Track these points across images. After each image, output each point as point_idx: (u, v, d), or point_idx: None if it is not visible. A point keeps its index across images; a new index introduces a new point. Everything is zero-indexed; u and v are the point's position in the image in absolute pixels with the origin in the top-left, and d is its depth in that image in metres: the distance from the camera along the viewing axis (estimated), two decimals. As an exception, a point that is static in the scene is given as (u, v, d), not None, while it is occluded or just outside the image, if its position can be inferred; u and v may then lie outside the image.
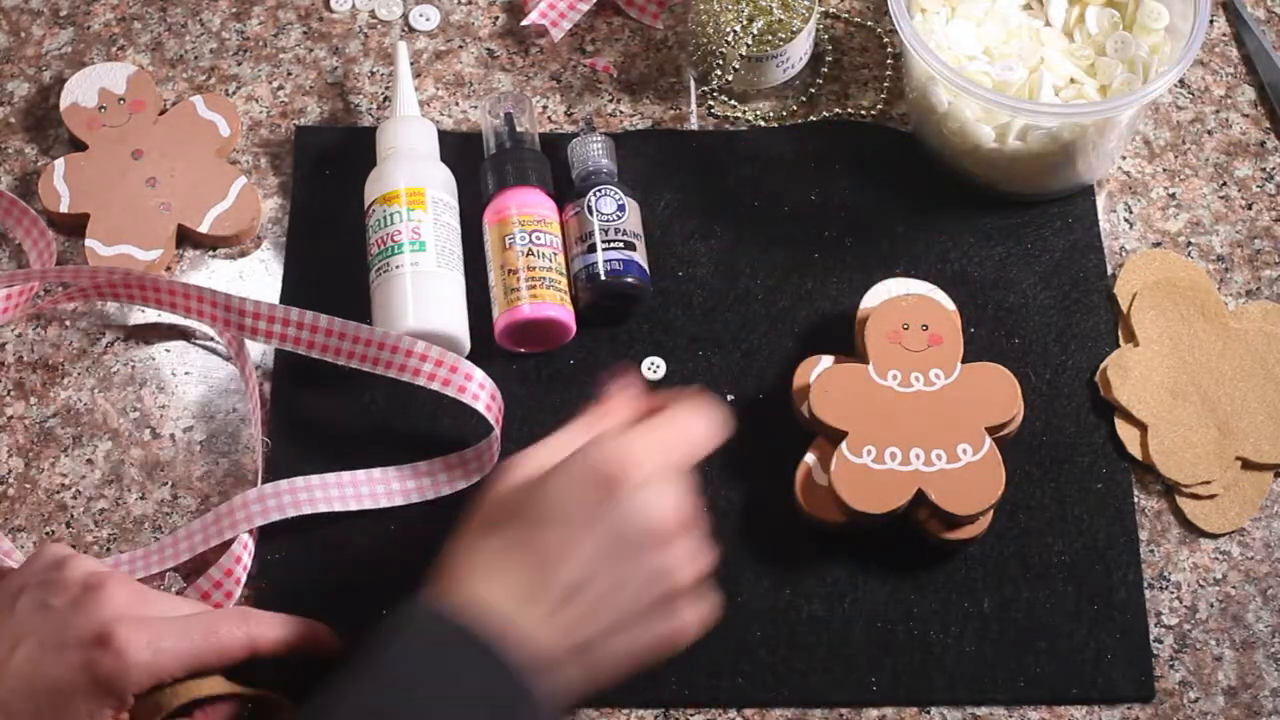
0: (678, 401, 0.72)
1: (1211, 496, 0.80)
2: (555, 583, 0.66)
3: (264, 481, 0.80)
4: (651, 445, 0.68)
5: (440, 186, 0.85)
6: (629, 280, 0.83)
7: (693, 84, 0.93)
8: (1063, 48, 0.88)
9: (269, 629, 0.70)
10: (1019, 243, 0.87)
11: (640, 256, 0.84)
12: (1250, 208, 0.89)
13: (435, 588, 0.67)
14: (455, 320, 0.83)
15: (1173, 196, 0.89)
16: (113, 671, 0.66)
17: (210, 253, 0.88)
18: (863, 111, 0.92)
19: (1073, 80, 0.87)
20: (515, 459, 0.71)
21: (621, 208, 0.85)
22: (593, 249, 0.83)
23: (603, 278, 0.83)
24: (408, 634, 0.64)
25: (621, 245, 0.84)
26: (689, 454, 0.70)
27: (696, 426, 0.71)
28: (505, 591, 0.66)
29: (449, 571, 0.67)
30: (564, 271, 0.84)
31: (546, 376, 0.84)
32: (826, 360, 0.82)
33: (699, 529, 0.69)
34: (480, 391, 0.79)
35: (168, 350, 0.85)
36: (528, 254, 0.83)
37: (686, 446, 0.70)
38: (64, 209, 0.87)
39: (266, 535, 0.79)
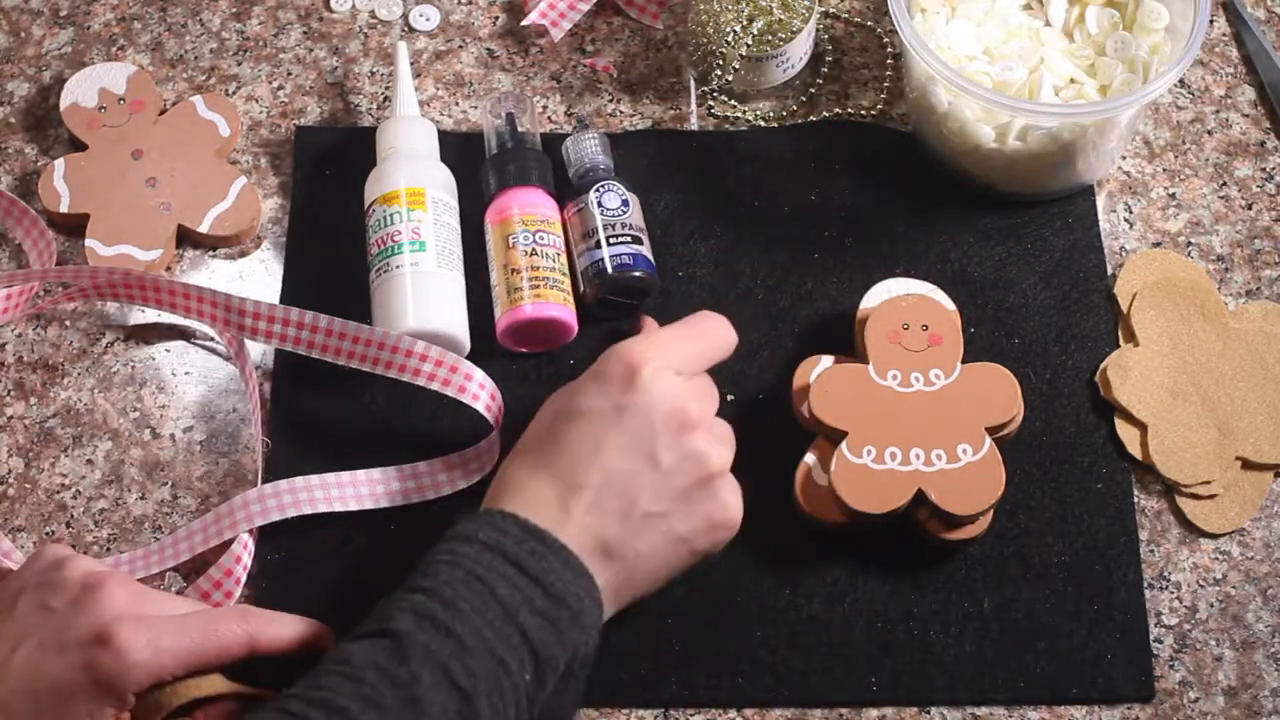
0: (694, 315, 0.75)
1: (1211, 496, 0.80)
2: (586, 483, 0.68)
3: (264, 481, 0.80)
4: (668, 339, 0.71)
5: (440, 186, 0.85)
6: (637, 274, 0.83)
7: (693, 84, 0.93)
8: (1063, 48, 0.88)
9: (269, 627, 0.70)
10: (1019, 243, 0.87)
11: (646, 249, 0.84)
12: (1250, 208, 0.89)
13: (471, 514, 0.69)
14: (455, 320, 0.83)
15: (1173, 196, 0.89)
16: (113, 671, 0.66)
17: (210, 253, 0.88)
18: (863, 111, 0.92)
19: (1073, 80, 0.87)
20: (550, 398, 0.73)
21: (625, 203, 0.85)
22: (599, 244, 0.83)
23: (610, 272, 0.83)
24: (455, 544, 0.67)
25: (628, 239, 0.84)
26: (706, 349, 0.72)
27: (714, 326, 0.75)
28: (538, 503, 0.68)
29: (487, 500, 0.70)
30: (566, 271, 0.84)
31: (547, 376, 0.84)
32: (826, 360, 0.82)
33: (721, 420, 0.72)
34: (480, 391, 0.79)
35: (168, 350, 0.85)
36: (531, 254, 0.83)
37: (703, 341, 0.72)
38: (64, 209, 0.87)
39: (266, 535, 0.79)
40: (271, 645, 0.70)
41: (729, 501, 0.72)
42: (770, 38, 0.89)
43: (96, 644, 0.66)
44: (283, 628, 0.71)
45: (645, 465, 0.69)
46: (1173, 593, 0.79)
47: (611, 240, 0.84)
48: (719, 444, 0.71)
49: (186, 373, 0.85)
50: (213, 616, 0.70)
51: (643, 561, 0.70)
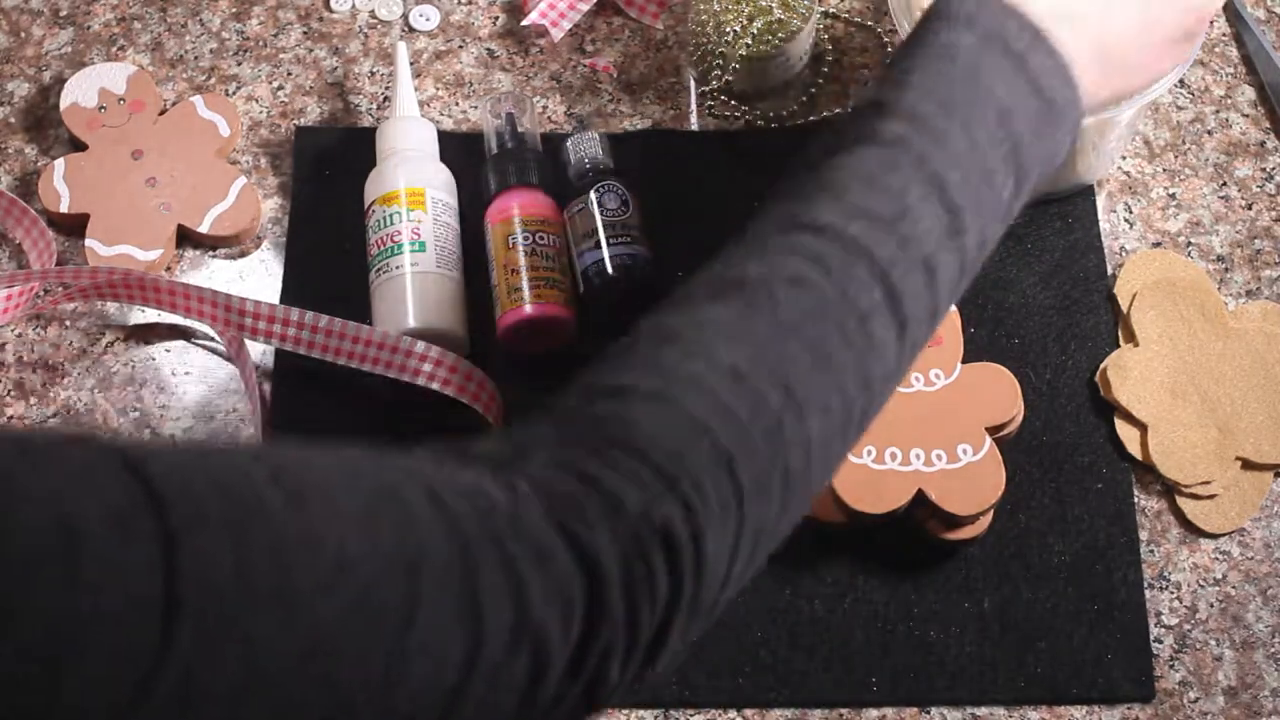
0: None
1: (1211, 496, 0.80)
2: None
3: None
4: None
5: (440, 187, 0.85)
6: (637, 274, 0.83)
7: (693, 84, 0.93)
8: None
9: None
10: (1019, 243, 0.87)
11: (646, 250, 0.84)
12: (1250, 208, 0.89)
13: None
14: (455, 320, 0.83)
15: (1173, 196, 0.89)
16: None
17: (210, 253, 0.88)
18: (863, 111, 0.92)
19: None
20: None
21: (625, 203, 0.85)
22: (599, 245, 0.84)
23: (610, 272, 0.83)
24: (951, 30, 0.59)
25: (628, 239, 0.84)
26: None
27: None
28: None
29: None
30: (567, 272, 0.84)
31: (547, 376, 0.84)
32: (826, 360, 0.82)
33: None
34: (480, 391, 0.79)
35: (168, 350, 0.85)
36: (531, 254, 0.83)
37: None
38: (64, 209, 0.87)
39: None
40: None
41: None
42: (770, 38, 0.89)
43: None
44: None
45: None
46: (1173, 593, 0.79)
47: (611, 240, 0.84)
48: None
49: (186, 373, 0.85)
50: None
51: (1129, 60, 0.64)
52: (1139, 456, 0.81)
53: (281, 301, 0.86)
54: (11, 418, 0.83)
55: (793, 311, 0.55)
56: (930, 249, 0.57)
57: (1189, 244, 0.88)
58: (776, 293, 0.56)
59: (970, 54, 0.59)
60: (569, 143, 0.88)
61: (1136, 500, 0.81)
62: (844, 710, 0.76)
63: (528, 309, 0.82)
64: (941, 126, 0.58)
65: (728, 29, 0.88)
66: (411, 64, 0.92)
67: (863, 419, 0.57)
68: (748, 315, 0.55)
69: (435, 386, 0.79)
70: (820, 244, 0.57)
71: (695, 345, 0.54)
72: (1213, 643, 0.78)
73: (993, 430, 0.78)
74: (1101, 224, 0.88)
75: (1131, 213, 0.89)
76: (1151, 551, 0.80)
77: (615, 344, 0.57)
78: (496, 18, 0.96)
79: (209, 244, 0.88)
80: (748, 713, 0.76)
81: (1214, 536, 0.80)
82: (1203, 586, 0.79)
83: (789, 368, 0.54)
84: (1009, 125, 0.59)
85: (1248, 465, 0.81)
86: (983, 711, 0.76)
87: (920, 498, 0.76)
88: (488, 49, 0.94)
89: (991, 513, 0.77)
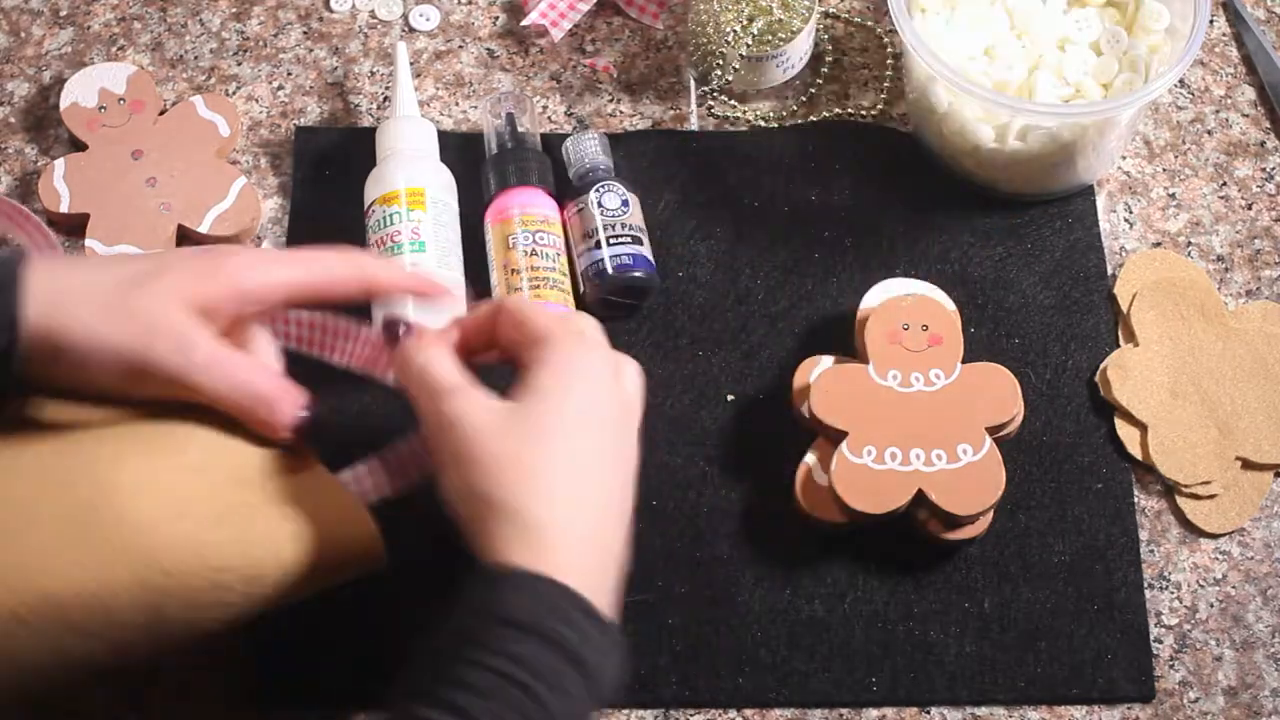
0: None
1: (1211, 496, 0.80)
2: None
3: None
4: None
5: (440, 187, 0.85)
6: (638, 274, 0.83)
7: (693, 84, 0.93)
8: (1063, 48, 0.88)
9: (380, 272, 0.70)
10: (1019, 243, 0.87)
11: (646, 250, 0.84)
12: (1250, 208, 0.89)
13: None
14: (455, 320, 0.83)
15: (1173, 196, 0.89)
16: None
17: (210, 253, 0.88)
18: (863, 111, 0.92)
19: (1072, 80, 0.87)
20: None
21: (625, 203, 0.85)
22: (599, 245, 0.84)
23: (610, 273, 0.83)
24: (510, 638, 0.60)
25: (629, 240, 0.84)
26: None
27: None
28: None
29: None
30: (566, 272, 0.84)
31: (546, 376, 0.84)
32: (826, 360, 0.82)
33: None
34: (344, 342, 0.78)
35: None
36: (530, 254, 0.83)
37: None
38: (64, 209, 0.87)
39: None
40: (385, 287, 0.70)
41: (634, 387, 0.68)
42: (770, 38, 0.89)
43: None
44: (394, 274, 0.70)
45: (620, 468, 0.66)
46: (1173, 593, 0.79)
47: (611, 240, 0.84)
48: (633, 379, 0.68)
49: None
50: (323, 253, 0.69)
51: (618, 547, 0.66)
52: (1139, 456, 0.81)
53: (281, 301, 0.86)
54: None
55: None
56: None
57: (1189, 244, 0.88)
58: None
59: (528, 668, 0.59)
60: (569, 143, 0.88)
61: (1136, 500, 0.81)
62: (844, 710, 0.76)
63: (528, 309, 0.82)
64: None
65: (728, 29, 0.88)
66: (411, 64, 0.92)
67: None
68: None
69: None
70: None
71: None
72: (1213, 643, 0.77)
73: (993, 430, 0.78)
74: (1101, 224, 0.88)
75: (1131, 213, 0.89)
76: (1151, 551, 0.80)
77: None
78: (496, 18, 0.96)
79: (209, 244, 0.88)
80: (748, 713, 0.76)
81: (1214, 536, 0.80)
82: (1203, 586, 0.79)
83: None
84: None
85: (1248, 465, 0.81)
86: (983, 711, 0.76)
87: (920, 498, 0.76)
88: (488, 49, 0.94)
89: (991, 513, 0.77)
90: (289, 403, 0.68)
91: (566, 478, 0.64)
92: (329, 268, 0.69)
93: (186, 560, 0.62)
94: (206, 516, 0.64)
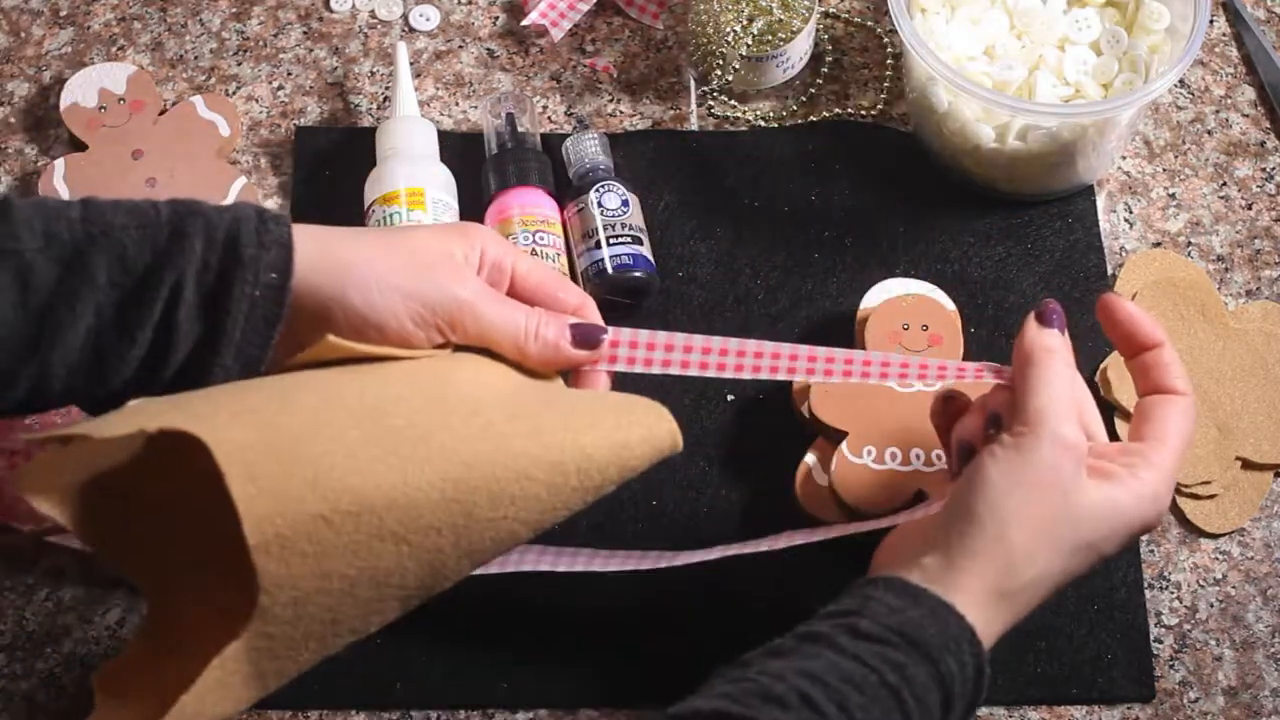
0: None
1: (1211, 496, 0.80)
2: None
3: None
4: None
5: (440, 187, 0.85)
6: (637, 274, 0.83)
7: (693, 84, 0.93)
8: (1063, 48, 0.88)
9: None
10: (1019, 243, 0.87)
11: (646, 250, 0.84)
12: (1250, 208, 0.89)
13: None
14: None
15: (1173, 196, 0.89)
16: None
17: (210, 253, 0.88)
18: (863, 111, 0.92)
19: (1072, 80, 0.87)
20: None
21: (625, 203, 0.85)
22: (599, 245, 0.84)
23: (610, 273, 0.83)
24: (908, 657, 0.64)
25: (628, 239, 0.84)
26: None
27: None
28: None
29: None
30: (566, 272, 0.84)
31: (546, 376, 0.84)
32: (826, 360, 0.82)
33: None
34: None
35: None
36: (531, 254, 0.83)
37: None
38: (64, 209, 0.87)
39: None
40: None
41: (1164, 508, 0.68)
42: (770, 38, 0.89)
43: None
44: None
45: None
46: (1173, 593, 0.79)
47: (611, 240, 0.84)
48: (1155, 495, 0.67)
49: (186, 373, 0.85)
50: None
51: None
52: (1139, 456, 0.81)
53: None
54: (11, 418, 0.83)
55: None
56: None
57: (1189, 244, 0.88)
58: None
59: (914, 686, 0.64)
60: (569, 143, 0.88)
61: (1136, 500, 0.81)
62: (844, 710, 0.76)
63: (528, 309, 0.82)
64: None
65: (728, 29, 0.88)
66: (411, 64, 0.92)
67: None
68: None
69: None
70: None
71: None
72: (1213, 643, 0.78)
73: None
74: (1101, 224, 0.88)
75: (1131, 213, 0.89)
76: (1151, 551, 0.80)
77: None
78: (496, 18, 0.96)
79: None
80: (748, 713, 0.76)
81: (1214, 536, 0.80)
82: (1203, 586, 0.79)
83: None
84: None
85: (1248, 465, 0.81)
86: (983, 711, 0.76)
87: (920, 497, 0.76)
88: (488, 49, 0.94)
89: (991, 513, 0.77)
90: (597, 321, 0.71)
91: (1069, 561, 0.65)
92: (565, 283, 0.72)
93: (486, 452, 0.62)
94: (500, 412, 0.64)
